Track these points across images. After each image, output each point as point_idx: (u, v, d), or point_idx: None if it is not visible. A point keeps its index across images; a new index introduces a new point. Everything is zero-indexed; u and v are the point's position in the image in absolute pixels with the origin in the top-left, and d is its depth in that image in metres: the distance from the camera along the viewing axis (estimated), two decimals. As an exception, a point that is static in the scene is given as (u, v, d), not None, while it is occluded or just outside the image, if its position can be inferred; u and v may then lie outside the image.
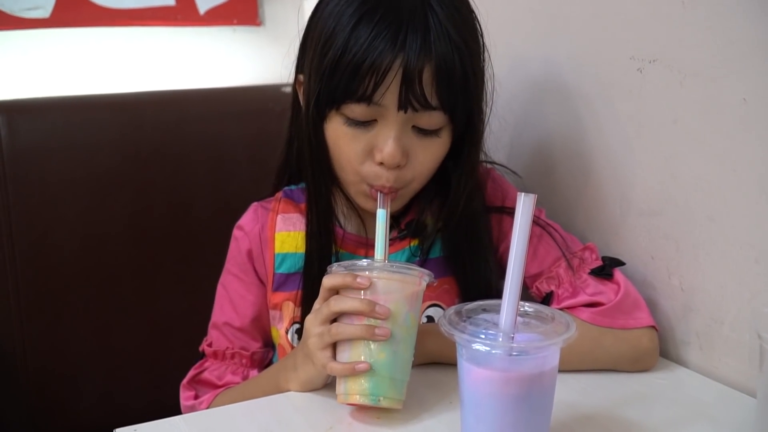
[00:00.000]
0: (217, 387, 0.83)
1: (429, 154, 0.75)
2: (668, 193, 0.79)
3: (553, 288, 0.80)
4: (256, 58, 1.41)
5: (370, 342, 0.65)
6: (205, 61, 1.38)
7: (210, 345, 0.86)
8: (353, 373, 0.64)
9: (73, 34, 1.25)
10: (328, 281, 0.67)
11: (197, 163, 1.14)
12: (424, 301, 0.71)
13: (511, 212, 0.76)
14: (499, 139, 0.97)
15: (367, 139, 0.73)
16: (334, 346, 0.67)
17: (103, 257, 1.09)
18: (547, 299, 0.80)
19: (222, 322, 0.85)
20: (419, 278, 0.67)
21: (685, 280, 0.78)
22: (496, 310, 0.58)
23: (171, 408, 0.82)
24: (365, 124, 0.73)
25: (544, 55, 0.95)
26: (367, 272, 0.66)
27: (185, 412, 0.81)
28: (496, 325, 0.56)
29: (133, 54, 1.31)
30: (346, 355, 0.66)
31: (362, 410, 0.68)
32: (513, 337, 0.55)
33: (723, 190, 0.73)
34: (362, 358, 0.65)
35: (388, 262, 0.69)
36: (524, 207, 0.55)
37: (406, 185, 0.75)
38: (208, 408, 0.81)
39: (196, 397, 0.83)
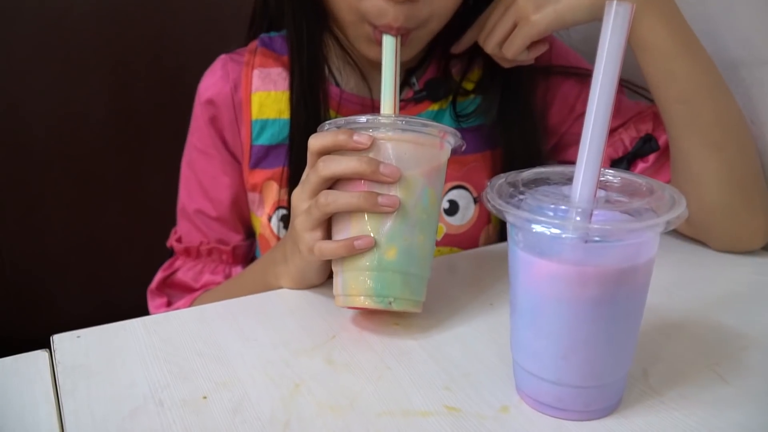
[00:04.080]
0: (194, 290, 0.71)
1: None
2: None
3: (648, 130, 0.65)
4: None
5: (374, 218, 0.47)
6: None
7: (180, 240, 0.72)
8: (351, 251, 0.48)
9: None
10: (316, 142, 0.50)
11: (185, 22, 0.99)
12: (446, 181, 0.53)
13: (566, 72, 0.65)
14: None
15: None
16: (327, 227, 0.50)
17: (83, 134, 0.97)
18: (642, 147, 0.66)
19: (193, 210, 0.72)
20: (440, 139, 0.49)
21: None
22: (564, 180, 0.41)
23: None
24: None
25: None
26: (370, 130, 0.48)
27: None
28: (566, 198, 0.39)
29: None
30: (342, 237, 0.49)
31: (372, 315, 0.52)
32: (592, 216, 0.37)
33: None
34: None
35: (398, 117, 0.50)
36: (616, 19, 0.36)
37: (421, 26, 0.57)
38: None
39: (168, 304, 0.71)
